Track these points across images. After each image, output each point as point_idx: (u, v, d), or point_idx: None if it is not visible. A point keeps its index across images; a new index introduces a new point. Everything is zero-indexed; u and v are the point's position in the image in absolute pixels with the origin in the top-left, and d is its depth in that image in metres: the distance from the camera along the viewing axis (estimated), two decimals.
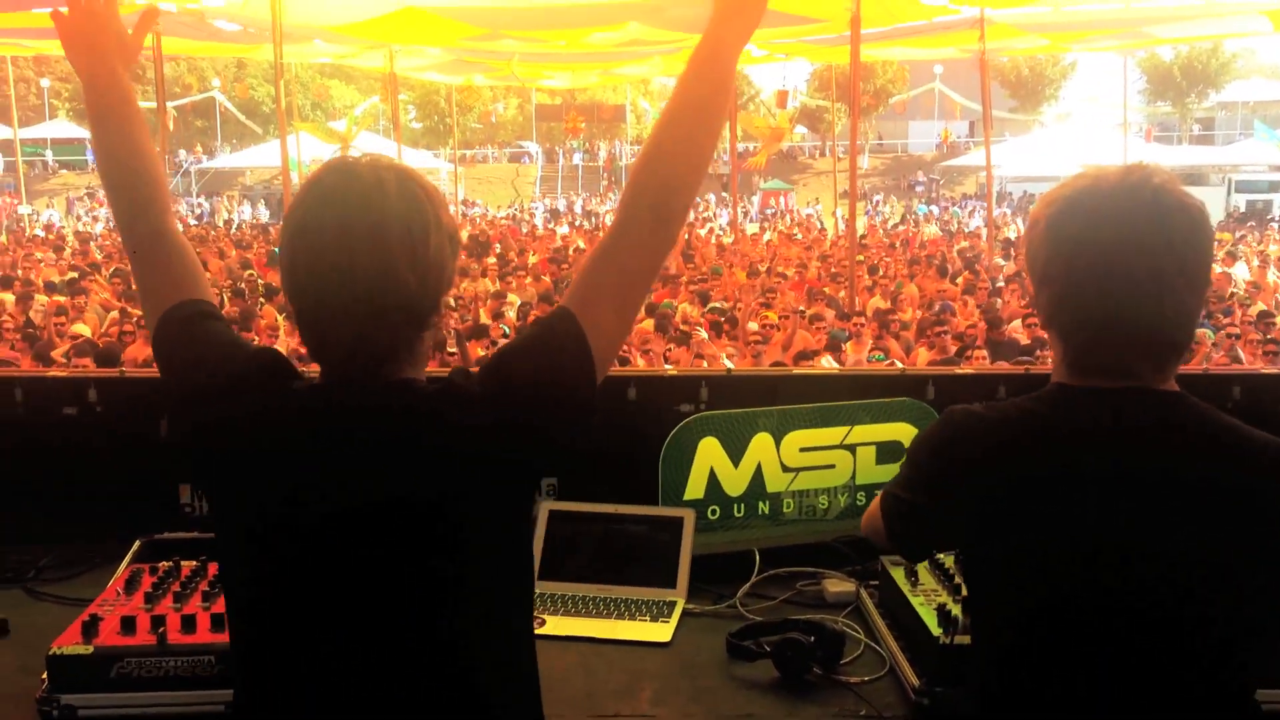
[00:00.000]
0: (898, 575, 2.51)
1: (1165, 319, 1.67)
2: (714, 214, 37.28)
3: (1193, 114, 54.81)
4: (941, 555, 2.53)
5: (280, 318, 12.38)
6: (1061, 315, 1.73)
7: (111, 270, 17.47)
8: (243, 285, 15.24)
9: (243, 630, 1.72)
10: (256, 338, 10.51)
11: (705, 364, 8.59)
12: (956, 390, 3.11)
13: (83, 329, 11.79)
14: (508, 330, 11.39)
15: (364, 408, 1.64)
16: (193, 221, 34.73)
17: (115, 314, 12.75)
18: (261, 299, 13.97)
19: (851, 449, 2.94)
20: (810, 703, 2.26)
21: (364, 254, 1.59)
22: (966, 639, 2.22)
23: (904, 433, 2.94)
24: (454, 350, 9.47)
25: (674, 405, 3.05)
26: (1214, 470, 1.64)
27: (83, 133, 51.39)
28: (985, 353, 9.89)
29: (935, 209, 40.53)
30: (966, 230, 29.71)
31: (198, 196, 44.33)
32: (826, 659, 2.35)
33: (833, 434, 2.92)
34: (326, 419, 1.65)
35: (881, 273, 17.08)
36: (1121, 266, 1.64)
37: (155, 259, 1.95)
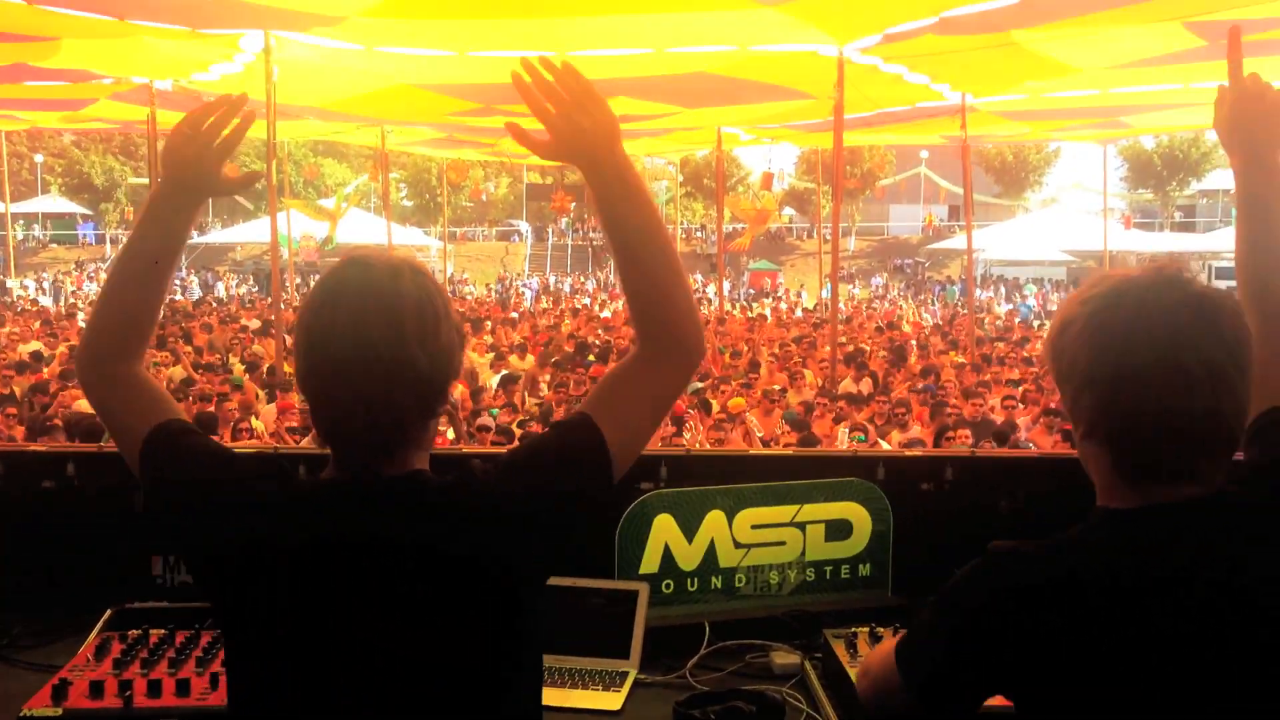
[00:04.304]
0: (838, 648, 2.62)
1: (1223, 413, 1.58)
2: (700, 293, 37.62)
3: (1174, 201, 55.61)
4: (880, 628, 2.65)
5: (262, 393, 12.50)
6: (1111, 416, 1.62)
7: None
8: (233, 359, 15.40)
9: None
10: (238, 412, 10.62)
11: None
12: (905, 470, 3.24)
13: (84, 403, 11.87)
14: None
15: (375, 504, 1.70)
16: (179, 296, 34.89)
17: None
18: (245, 374, 14.11)
19: (802, 526, 3.05)
20: None
21: (379, 331, 1.67)
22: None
23: (852, 511, 3.06)
24: None
25: (634, 482, 3.16)
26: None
27: (73, 208, 51.91)
28: (968, 431, 9.97)
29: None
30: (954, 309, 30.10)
31: (188, 272, 44.59)
32: None
33: (783, 512, 3.04)
34: (337, 519, 1.70)
35: (862, 357, 17.22)
36: (1175, 360, 1.56)
37: (127, 394, 1.94)
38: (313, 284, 1.79)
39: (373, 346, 1.67)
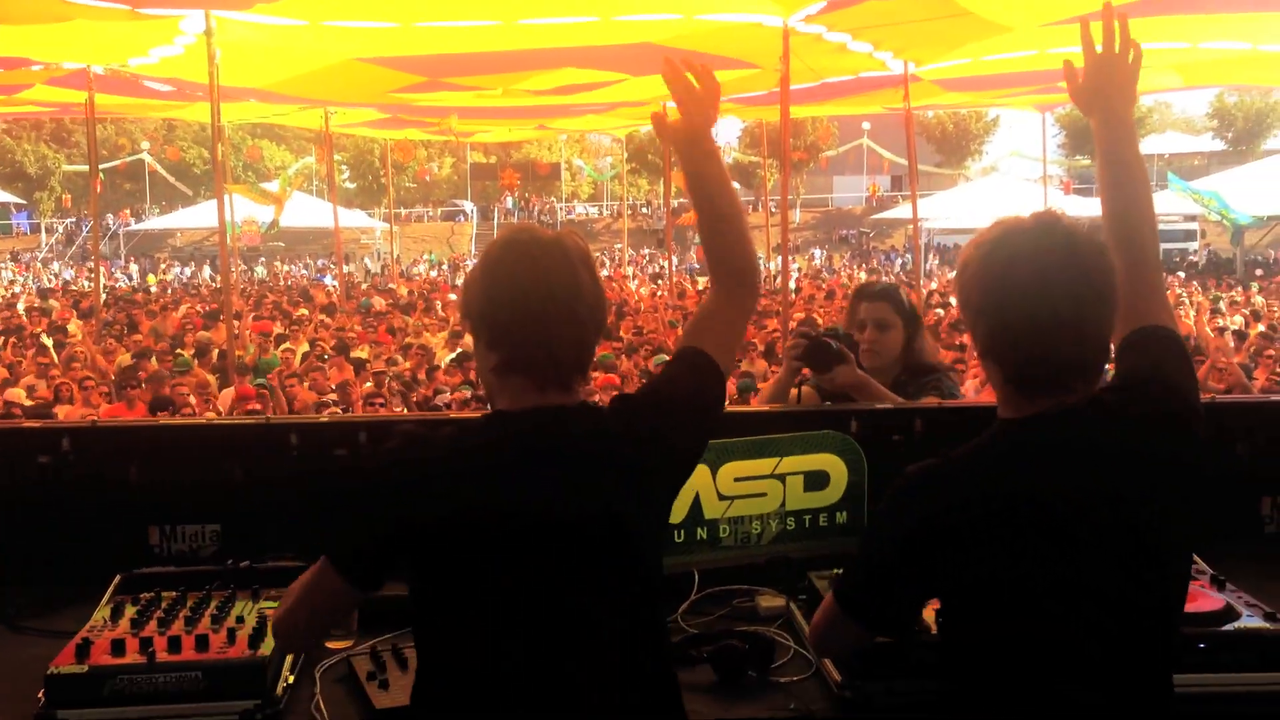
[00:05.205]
0: (822, 587, 2.76)
1: (1086, 337, 1.93)
2: (640, 266, 37.70)
3: None
4: None
5: (213, 379, 12.36)
6: (998, 340, 1.98)
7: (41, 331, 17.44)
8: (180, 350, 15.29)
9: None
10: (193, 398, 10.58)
11: None
12: (878, 422, 3.38)
13: (18, 393, 11.74)
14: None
15: (569, 432, 2.00)
16: (122, 282, 34.44)
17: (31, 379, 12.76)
18: (194, 359, 14.03)
19: (781, 478, 3.18)
20: (745, 701, 2.51)
21: (565, 279, 1.98)
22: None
23: (829, 463, 3.19)
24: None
25: None
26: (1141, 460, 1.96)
27: (7, 198, 50.90)
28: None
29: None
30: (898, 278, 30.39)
31: (126, 260, 43.93)
32: (760, 663, 2.59)
33: (764, 465, 3.16)
34: (536, 444, 1.97)
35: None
36: (1045, 294, 1.90)
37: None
38: (480, 251, 2.16)
39: (570, 289, 1.98)
